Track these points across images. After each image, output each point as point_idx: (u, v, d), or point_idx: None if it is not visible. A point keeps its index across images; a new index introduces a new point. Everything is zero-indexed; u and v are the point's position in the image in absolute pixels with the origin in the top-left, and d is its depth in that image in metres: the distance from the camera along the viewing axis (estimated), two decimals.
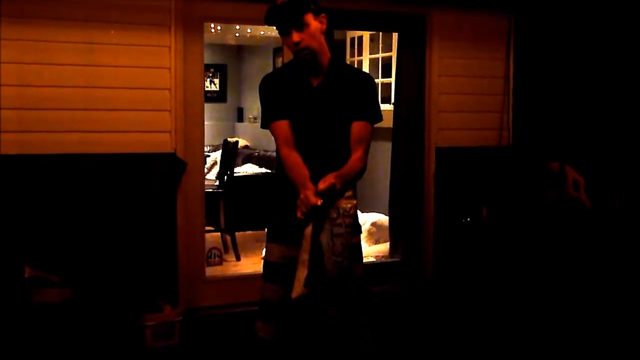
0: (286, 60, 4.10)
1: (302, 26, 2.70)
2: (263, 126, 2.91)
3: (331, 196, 2.62)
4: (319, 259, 2.61)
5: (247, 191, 6.53)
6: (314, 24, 2.74)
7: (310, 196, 2.57)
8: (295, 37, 2.71)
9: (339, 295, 2.73)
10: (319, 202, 2.55)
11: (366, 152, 2.85)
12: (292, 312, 2.86)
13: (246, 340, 3.08)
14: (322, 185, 2.61)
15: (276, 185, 2.92)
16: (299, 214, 2.60)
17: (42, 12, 4.03)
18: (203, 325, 4.41)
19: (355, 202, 2.71)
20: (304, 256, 2.63)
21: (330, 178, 2.62)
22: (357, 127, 2.82)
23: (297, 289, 2.63)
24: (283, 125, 2.82)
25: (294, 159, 2.77)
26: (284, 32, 2.75)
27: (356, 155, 2.81)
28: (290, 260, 2.81)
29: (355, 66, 6.88)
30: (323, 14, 2.78)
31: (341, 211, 2.65)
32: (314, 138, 2.80)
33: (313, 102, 2.81)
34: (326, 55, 2.83)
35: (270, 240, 2.94)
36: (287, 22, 2.71)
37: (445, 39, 5.11)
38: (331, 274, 2.63)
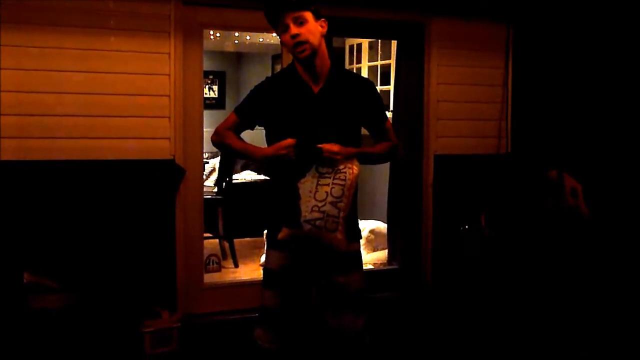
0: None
1: (300, 20, 2.72)
2: (235, 109, 2.97)
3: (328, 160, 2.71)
4: (294, 203, 2.70)
5: (246, 198, 6.53)
6: (314, 23, 2.75)
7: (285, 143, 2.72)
8: (294, 29, 2.72)
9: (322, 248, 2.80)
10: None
11: (395, 140, 3.03)
12: (292, 319, 2.87)
13: (245, 348, 3.08)
14: (327, 146, 2.69)
15: (274, 192, 2.93)
16: (292, 156, 2.73)
17: (42, 18, 4.04)
18: (201, 331, 4.41)
19: (351, 167, 2.73)
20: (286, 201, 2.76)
21: (340, 147, 2.71)
22: (382, 129, 2.98)
23: (282, 231, 2.79)
24: (241, 124, 2.94)
25: (238, 139, 2.94)
26: (282, 24, 2.75)
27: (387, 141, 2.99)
28: (290, 267, 2.83)
29: None
30: (323, 19, 2.81)
31: (335, 170, 2.71)
32: (315, 143, 2.81)
33: (314, 108, 2.82)
34: (326, 61, 2.84)
35: (269, 247, 2.94)
36: (287, 8, 2.72)
37: (444, 47, 5.12)
38: (308, 215, 2.69)
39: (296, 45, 2.74)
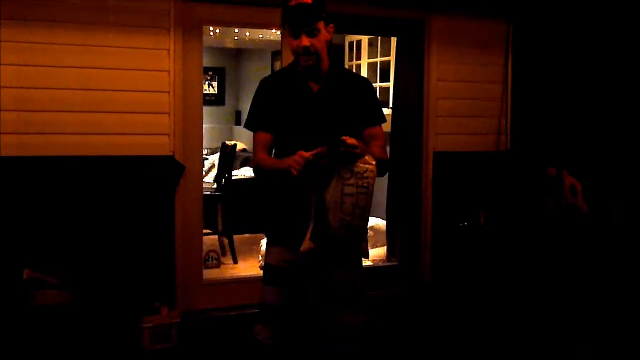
0: (285, 64, 4.12)
1: (314, 32, 2.72)
2: (247, 126, 2.92)
3: (348, 156, 2.58)
4: (322, 215, 2.60)
5: (245, 194, 6.53)
6: (324, 33, 2.76)
7: (302, 154, 2.56)
8: (306, 41, 2.72)
9: (345, 255, 2.78)
10: (311, 156, 2.54)
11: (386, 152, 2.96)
12: (292, 316, 2.88)
13: (244, 344, 3.08)
14: (349, 140, 2.55)
15: (274, 188, 2.92)
16: (294, 172, 2.56)
17: (42, 14, 4.03)
18: (201, 328, 4.41)
19: (371, 167, 2.62)
20: (312, 212, 2.65)
21: (356, 141, 2.59)
22: (374, 132, 2.89)
23: (305, 243, 2.66)
24: (265, 136, 2.87)
25: (269, 158, 2.85)
26: (295, 33, 2.75)
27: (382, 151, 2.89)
28: (291, 263, 2.83)
29: (354, 70, 6.91)
30: (331, 25, 2.81)
31: (355, 173, 2.61)
32: (316, 143, 2.80)
33: (314, 107, 2.82)
34: (326, 61, 2.85)
35: (270, 243, 2.95)
36: (303, 24, 2.71)
37: (444, 45, 5.12)
38: (337, 231, 2.61)
39: (304, 54, 2.75)
